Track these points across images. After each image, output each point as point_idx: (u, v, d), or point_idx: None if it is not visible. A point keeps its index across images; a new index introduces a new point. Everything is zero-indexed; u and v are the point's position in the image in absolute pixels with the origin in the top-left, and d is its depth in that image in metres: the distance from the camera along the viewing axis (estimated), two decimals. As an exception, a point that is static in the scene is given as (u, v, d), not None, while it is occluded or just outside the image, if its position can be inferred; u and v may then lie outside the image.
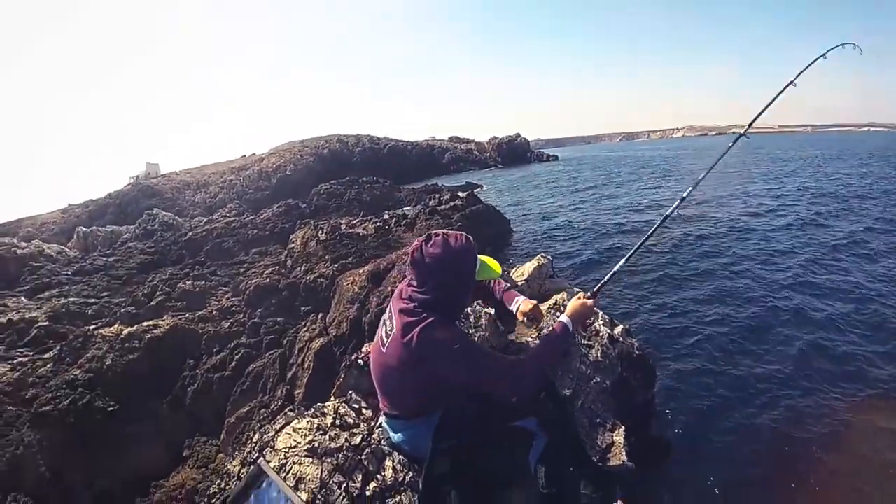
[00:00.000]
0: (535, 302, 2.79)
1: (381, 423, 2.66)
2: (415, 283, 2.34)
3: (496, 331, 3.46)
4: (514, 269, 4.62)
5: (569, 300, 2.86)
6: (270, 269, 7.38)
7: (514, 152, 51.01)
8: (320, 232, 7.84)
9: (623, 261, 2.87)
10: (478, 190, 20.82)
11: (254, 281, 7.01)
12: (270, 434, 2.76)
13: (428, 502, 2.38)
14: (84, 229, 12.99)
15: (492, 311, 3.40)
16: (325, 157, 31.16)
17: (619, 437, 3.05)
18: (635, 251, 2.91)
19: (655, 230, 2.98)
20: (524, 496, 2.55)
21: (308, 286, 6.82)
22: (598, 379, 3.33)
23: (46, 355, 4.69)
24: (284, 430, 2.57)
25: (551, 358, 2.59)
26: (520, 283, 3.87)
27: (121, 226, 13.82)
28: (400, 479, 2.46)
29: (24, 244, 10.44)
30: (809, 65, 3.51)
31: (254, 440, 3.05)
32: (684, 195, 3.04)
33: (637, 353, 3.96)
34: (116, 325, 5.37)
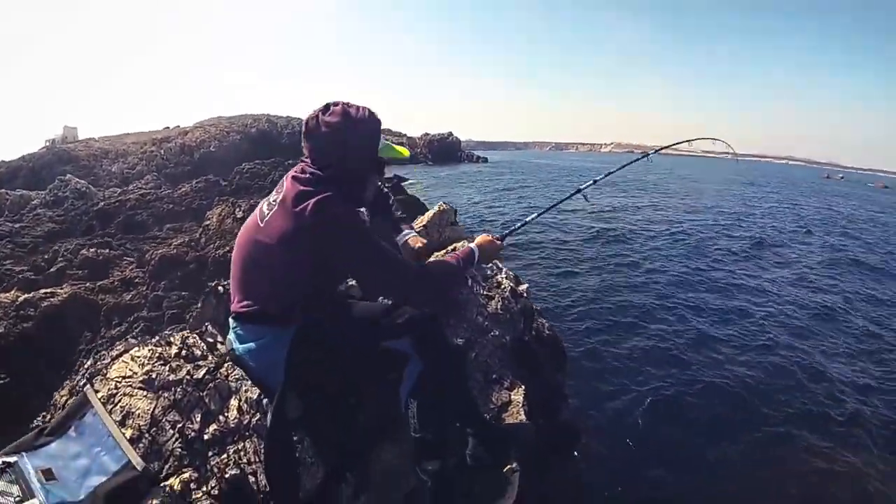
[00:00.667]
0: (425, 241, 2.77)
1: (228, 345, 2.30)
2: (307, 159, 2.15)
3: None
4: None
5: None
6: (179, 242, 7.11)
7: (444, 151, 51.40)
8: (238, 209, 7.60)
9: (532, 216, 3.05)
10: (405, 182, 20.71)
11: (160, 251, 6.75)
12: (105, 361, 2.42)
13: (275, 452, 2.08)
14: (-9, 192, 12.26)
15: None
16: (252, 136, 30.27)
17: (517, 395, 2.90)
18: (540, 215, 3.14)
19: (551, 208, 3.37)
20: (398, 451, 2.34)
21: (217, 260, 6.60)
22: (497, 332, 3.18)
23: None
24: (121, 358, 2.24)
25: (453, 276, 2.46)
26: (418, 230, 3.71)
27: (31, 191, 13.09)
28: (245, 422, 2.16)
29: None
30: (680, 142, 4.26)
31: (86, 366, 2.71)
32: (582, 187, 3.36)
33: (548, 332, 3.93)
34: (13, 291, 5.10)
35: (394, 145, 2.27)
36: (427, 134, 54.87)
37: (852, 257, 12.87)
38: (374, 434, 2.38)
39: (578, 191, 3.32)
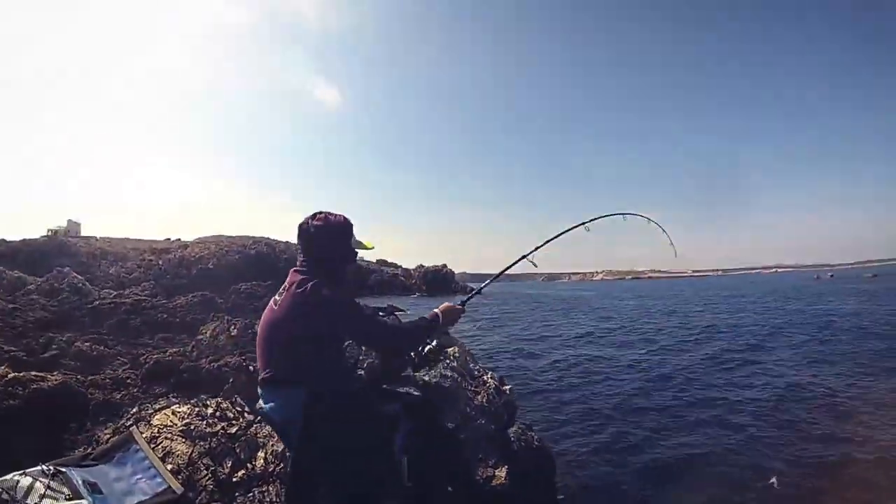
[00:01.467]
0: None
1: (258, 406, 2.84)
2: (301, 256, 2.83)
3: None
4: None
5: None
6: (174, 350, 7.21)
7: (439, 282, 51.55)
8: (233, 327, 7.73)
9: (483, 285, 4.04)
10: (400, 312, 21.00)
11: (155, 356, 6.81)
12: (149, 412, 2.74)
13: (294, 494, 2.48)
14: (-12, 268, 12.38)
15: None
16: (250, 256, 30.69)
17: (501, 472, 3.21)
18: (490, 282, 4.15)
19: (501, 274, 4.07)
20: (396, 500, 2.67)
21: (211, 372, 6.66)
22: (483, 421, 3.68)
23: None
24: (163, 411, 2.61)
25: (420, 330, 3.02)
26: None
27: (28, 275, 13.16)
28: (270, 470, 2.49)
29: None
30: (602, 217, 4.38)
31: (130, 412, 3.00)
32: (526, 255, 3.98)
33: (536, 444, 4.13)
34: (3, 367, 5.12)
35: (362, 241, 2.97)
36: (422, 266, 55.76)
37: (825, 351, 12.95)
38: (379, 485, 2.71)
39: (524, 257, 3.97)
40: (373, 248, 3.02)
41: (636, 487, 5.07)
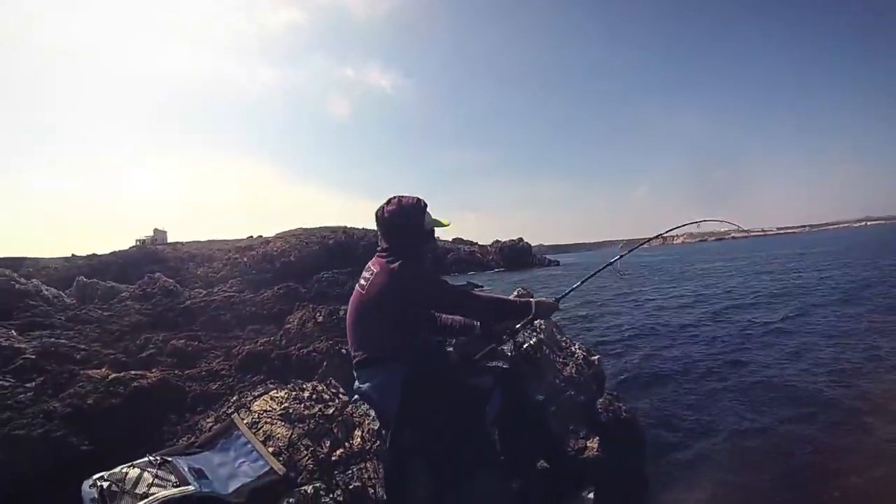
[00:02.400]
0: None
1: (356, 386, 2.92)
2: (382, 242, 2.91)
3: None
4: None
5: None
6: (264, 340, 7.37)
7: (516, 256, 51.47)
8: (318, 314, 7.86)
9: (579, 283, 3.70)
10: (478, 289, 21.16)
11: (247, 347, 6.98)
12: (248, 398, 2.84)
13: (392, 470, 2.54)
14: (84, 279, 12.97)
15: None
16: (330, 247, 31.44)
17: (593, 444, 3.16)
18: (588, 278, 3.79)
19: (598, 272, 3.92)
20: (490, 473, 2.79)
21: (301, 358, 6.80)
22: (572, 392, 3.62)
23: (28, 385, 4.60)
24: (262, 397, 2.70)
25: (503, 307, 3.07)
26: None
27: (121, 284, 13.76)
28: (367, 448, 2.57)
29: (23, 280, 10.37)
30: (682, 225, 4.57)
31: (231, 401, 3.09)
32: (620, 256, 4.03)
33: (625, 414, 4.02)
34: (104, 369, 5.31)
35: (438, 219, 3.02)
36: (498, 241, 55.87)
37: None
38: (473, 458, 2.71)
39: (609, 264, 3.97)
40: (448, 224, 3.07)
41: (719, 464, 4.85)
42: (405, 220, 2.86)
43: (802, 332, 10.35)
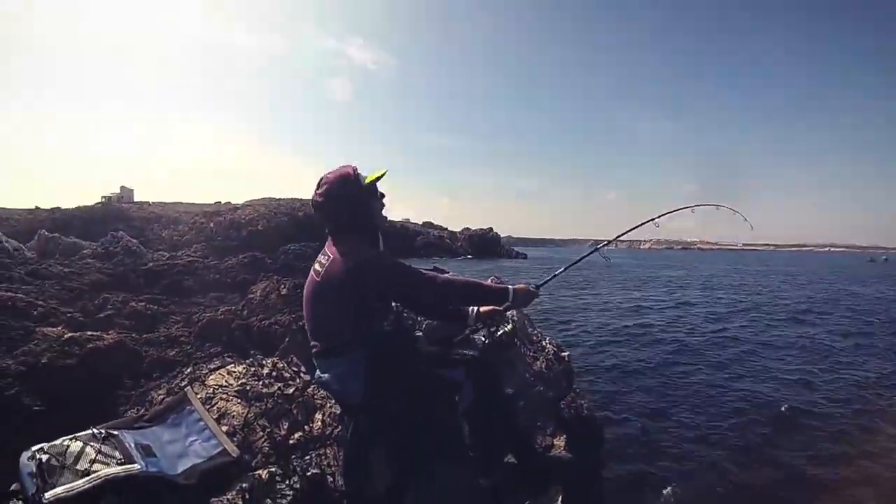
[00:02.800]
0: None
1: (316, 375, 2.77)
2: (330, 226, 2.72)
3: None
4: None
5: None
6: (225, 309, 7.24)
7: (485, 245, 51.78)
8: (282, 287, 7.75)
9: (563, 269, 3.52)
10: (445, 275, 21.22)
11: (207, 314, 6.85)
12: (204, 371, 2.70)
13: (352, 458, 2.46)
14: (46, 233, 12.67)
15: None
16: (299, 219, 31.10)
17: (559, 441, 3.13)
18: (572, 265, 3.62)
19: (575, 263, 3.67)
20: (456, 467, 2.59)
21: (262, 329, 6.69)
22: (541, 388, 3.59)
23: None
24: (218, 371, 2.59)
25: (475, 292, 2.86)
26: None
27: (84, 240, 13.46)
28: (327, 433, 2.47)
29: None
30: (675, 210, 4.13)
31: (185, 373, 2.95)
32: (598, 247, 3.81)
33: (586, 412, 4.01)
34: (60, 328, 5.16)
35: (368, 176, 2.75)
36: (468, 229, 55.80)
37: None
38: (436, 450, 2.63)
39: (596, 249, 3.77)
40: (385, 172, 2.81)
41: (679, 463, 5.01)
42: (341, 191, 2.65)
43: (753, 342, 11.09)
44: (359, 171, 2.73)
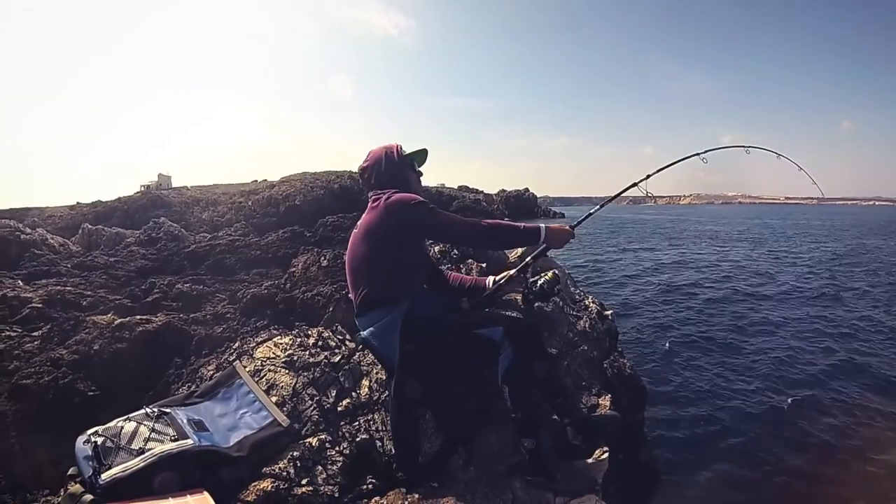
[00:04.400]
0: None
1: (358, 336, 2.82)
2: (368, 188, 2.88)
3: None
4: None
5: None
6: (268, 284, 7.32)
7: (521, 206, 51.38)
8: (322, 258, 7.83)
9: (598, 207, 3.48)
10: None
11: (251, 290, 6.94)
12: (251, 345, 2.77)
13: (400, 423, 2.48)
14: (89, 226, 12.90)
15: None
16: (335, 191, 31.19)
17: (605, 401, 3.08)
18: (607, 202, 3.55)
19: (614, 198, 3.59)
20: (501, 429, 2.61)
21: (305, 301, 6.77)
22: (585, 347, 3.55)
23: (35, 333, 4.58)
24: (265, 344, 2.64)
25: (508, 234, 2.87)
26: (512, 260, 4.24)
27: (126, 230, 13.71)
28: (375, 399, 2.50)
29: (28, 230, 10.32)
30: (722, 147, 3.94)
31: (233, 348, 3.02)
32: (637, 181, 3.53)
33: (629, 371, 3.97)
34: (109, 315, 5.27)
35: (409, 152, 2.95)
36: (504, 191, 55.81)
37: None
38: (481, 413, 2.63)
39: (635, 184, 3.55)
40: (424, 150, 3.02)
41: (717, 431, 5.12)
42: (381, 155, 2.89)
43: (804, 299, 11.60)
44: (402, 147, 2.93)
